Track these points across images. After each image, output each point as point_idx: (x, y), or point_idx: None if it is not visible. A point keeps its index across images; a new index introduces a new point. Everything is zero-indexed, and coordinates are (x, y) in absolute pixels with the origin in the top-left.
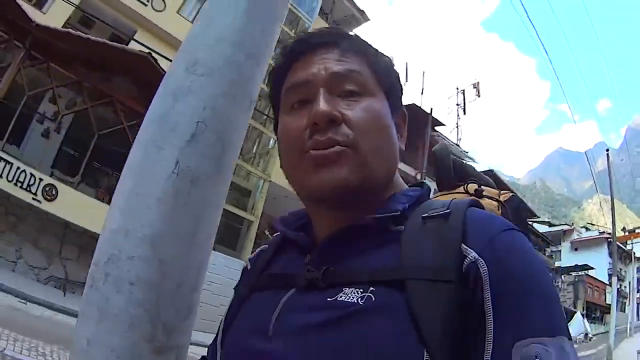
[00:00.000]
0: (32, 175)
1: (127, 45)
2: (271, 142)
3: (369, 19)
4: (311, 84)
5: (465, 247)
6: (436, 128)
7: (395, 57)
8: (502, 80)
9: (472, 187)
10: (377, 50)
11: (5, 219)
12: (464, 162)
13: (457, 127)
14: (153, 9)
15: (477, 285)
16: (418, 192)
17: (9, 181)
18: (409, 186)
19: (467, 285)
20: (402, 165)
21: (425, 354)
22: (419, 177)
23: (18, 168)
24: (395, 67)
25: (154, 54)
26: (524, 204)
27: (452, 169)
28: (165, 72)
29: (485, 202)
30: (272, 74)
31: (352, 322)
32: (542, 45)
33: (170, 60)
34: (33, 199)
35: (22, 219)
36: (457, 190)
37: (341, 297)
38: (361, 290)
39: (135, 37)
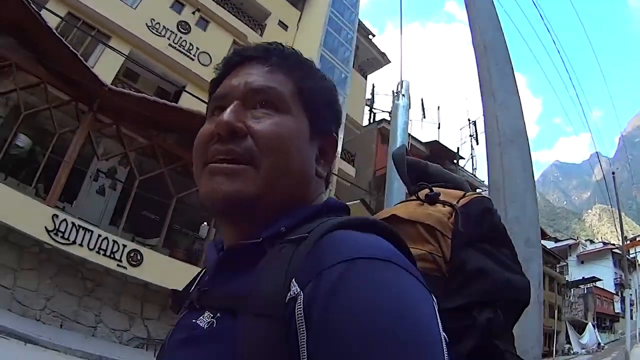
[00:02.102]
0: (114, 242)
1: (175, 97)
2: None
3: (389, 61)
4: (229, 96)
5: (294, 281)
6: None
7: (412, 96)
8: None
9: (423, 192)
10: (313, 71)
11: (83, 284)
12: (429, 163)
13: (472, 157)
14: (200, 63)
15: (292, 323)
16: (307, 212)
17: (90, 249)
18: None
19: (286, 322)
20: None
21: None
22: None
23: (99, 235)
24: (330, 92)
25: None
26: (493, 207)
27: (407, 172)
28: None
29: (434, 208)
30: (210, 84)
31: (191, 345)
32: (535, 60)
33: None
34: (118, 265)
35: (99, 284)
36: (411, 197)
37: (199, 319)
38: (211, 315)
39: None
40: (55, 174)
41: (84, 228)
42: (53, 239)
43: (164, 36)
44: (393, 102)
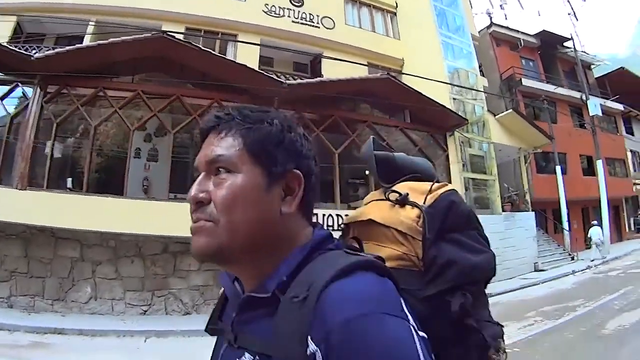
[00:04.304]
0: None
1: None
2: (478, 109)
3: None
4: (198, 168)
5: (310, 338)
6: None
7: None
8: None
9: (393, 196)
10: (258, 120)
11: None
12: (396, 154)
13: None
14: (326, 27)
15: None
16: (300, 256)
17: None
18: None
19: None
20: (563, 90)
21: None
22: (583, 97)
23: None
24: (278, 134)
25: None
26: (460, 197)
27: (376, 169)
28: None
29: (404, 214)
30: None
31: None
32: None
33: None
34: None
35: None
36: (379, 198)
37: None
38: (252, 357)
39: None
40: None
41: None
42: None
43: (283, 16)
44: None
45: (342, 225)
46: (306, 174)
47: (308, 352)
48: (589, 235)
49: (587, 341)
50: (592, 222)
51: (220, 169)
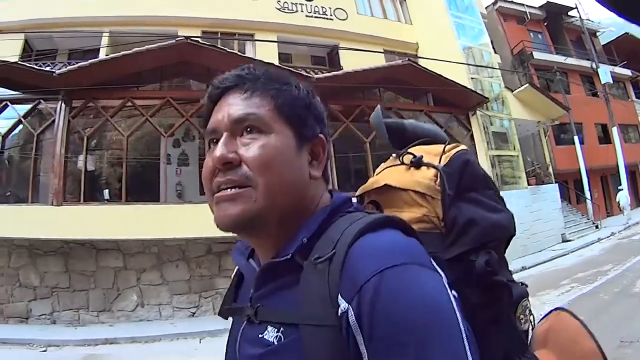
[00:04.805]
0: None
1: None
2: (495, 87)
3: None
4: (218, 129)
5: (340, 296)
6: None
7: None
8: None
9: (407, 158)
10: (286, 84)
11: None
12: (405, 121)
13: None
14: (339, 19)
15: (350, 331)
16: (321, 219)
17: None
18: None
19: (344, 330)
20: (572, 60)
21: None
22: (593, 65)
23: None
24: (306, 97)
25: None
26: (474, 157)
27: (387, 136)
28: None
29: (420, 175)
30: (202, 118)
31: (271, 359)
32: None
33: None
34: None
35: None
36: (395, 162)
37: (265, 334)
38: (276, 330)
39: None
40: None
41: None
42: None
43: (297, 11)
44: None
45: (356, 197)
46: (327, 140)
47: (339, 313)
48: (617, 200)
49: (621, 299)
50: (619, 187)
51: (249, 129)
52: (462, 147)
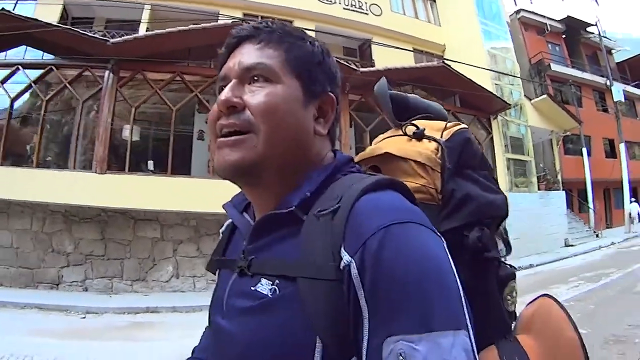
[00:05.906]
0: None
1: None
2: (515, 94)
3: None
4: (228, 76)
5: (343, 249)
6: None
7: None
8: None
9: (410, 129)
10: (300, 39)
11: None
12: (409, 95)
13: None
14: (374, 14)
15: (351, 286)
16: (325, 174)
17: None
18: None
19: (345, 284)
20: (587, 75)
21: (318, 343)
22: (607, 82)
23: None
24: (319, 54)
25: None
26: (473, 137)
27: (391, 107)
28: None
29: (422, 146)
30: (217, 68)
31: (263, 312)
32: None
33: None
34: None
35: None
36: (396, 133)
37: (258, 287)
38: (271, 282)
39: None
40: None
41: None
42: None
43: (335, 3)
44: None
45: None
46: (337, 101)
47: (341, 266)
48: (628, 211)
49: (627, 295)
50: (632, 199)
51: (257, 77)
52: (463, 125)
